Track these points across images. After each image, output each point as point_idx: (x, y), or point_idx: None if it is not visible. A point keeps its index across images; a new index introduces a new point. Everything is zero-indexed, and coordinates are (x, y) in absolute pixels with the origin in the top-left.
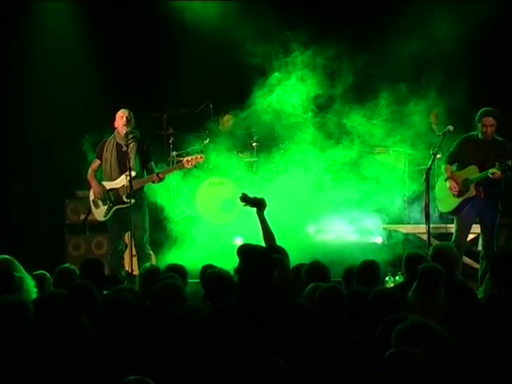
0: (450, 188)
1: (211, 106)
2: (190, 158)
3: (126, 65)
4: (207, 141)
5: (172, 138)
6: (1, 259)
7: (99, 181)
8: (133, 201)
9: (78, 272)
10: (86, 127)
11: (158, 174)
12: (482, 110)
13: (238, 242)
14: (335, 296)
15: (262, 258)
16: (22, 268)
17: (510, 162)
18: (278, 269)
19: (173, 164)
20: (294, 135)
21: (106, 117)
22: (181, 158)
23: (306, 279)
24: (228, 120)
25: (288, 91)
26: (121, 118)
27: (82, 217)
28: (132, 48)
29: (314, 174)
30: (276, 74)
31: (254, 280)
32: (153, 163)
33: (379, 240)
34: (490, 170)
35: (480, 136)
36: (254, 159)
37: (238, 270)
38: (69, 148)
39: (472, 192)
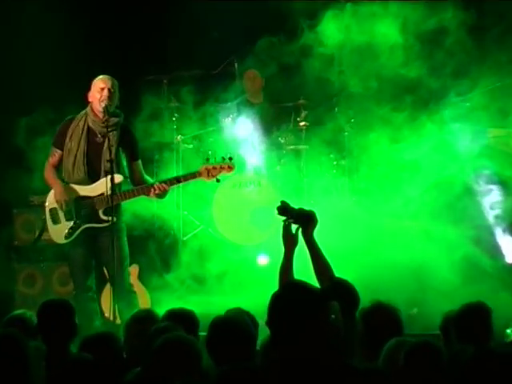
0: None
1: (236, 64)
2: (210, 167)
3: (113, 17)
4: (230, 118)
5: (176, 115)
6: None
7: (66, 182)
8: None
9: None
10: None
11: (158, 186)
12: None
13: (262, 261)
14: (428, 356)
15: (296, 305)
16: None
17: None
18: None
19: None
20: (366, 106)
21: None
22: (198, 169)
23: (363, 328)
24: (254, 77)
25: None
26: (101, 88)
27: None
28: None
29: (393, 169)
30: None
31: (283, 336)
32: (140, 162)
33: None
34: None
35: None
36: (301, 147)
37: (267, 323)
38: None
39: None
